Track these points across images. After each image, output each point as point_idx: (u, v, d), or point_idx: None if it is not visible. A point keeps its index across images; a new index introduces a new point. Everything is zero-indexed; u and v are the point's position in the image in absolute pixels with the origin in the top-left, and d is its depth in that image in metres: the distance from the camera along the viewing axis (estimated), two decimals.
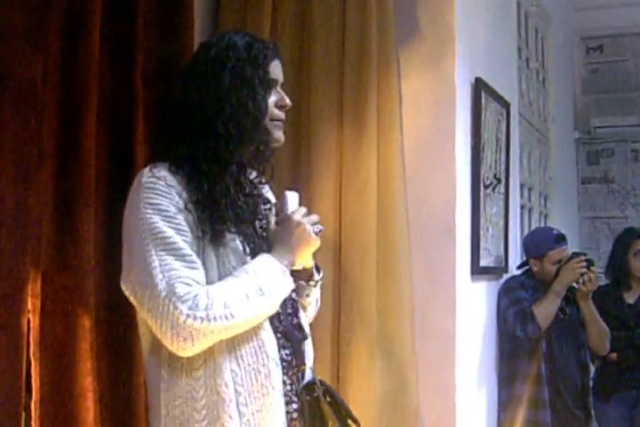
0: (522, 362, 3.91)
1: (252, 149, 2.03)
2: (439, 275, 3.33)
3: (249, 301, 1.87)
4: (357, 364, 2.93)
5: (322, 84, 3.10)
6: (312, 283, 2.18)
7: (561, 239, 4.12)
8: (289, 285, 1.99)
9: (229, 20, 3.10)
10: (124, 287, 1.93)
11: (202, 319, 1.81)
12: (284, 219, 2.05)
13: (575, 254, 4.09)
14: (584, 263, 3.97)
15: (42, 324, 2.21)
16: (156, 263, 1.84)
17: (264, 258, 1.96)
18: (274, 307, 1.95)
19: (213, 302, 1.83)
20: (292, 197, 2.11)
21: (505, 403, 3.94)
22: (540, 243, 4.16)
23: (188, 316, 1.80)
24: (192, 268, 1.86)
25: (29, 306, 2.18)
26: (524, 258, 4.30)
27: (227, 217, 1.94)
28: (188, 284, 1.83)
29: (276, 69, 2.08)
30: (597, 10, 6.52)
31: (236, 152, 1.99)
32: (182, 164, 1.95)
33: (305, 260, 2.08)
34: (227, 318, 1.83)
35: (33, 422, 2.19)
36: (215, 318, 1.82)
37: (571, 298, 4.07)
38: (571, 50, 6.69)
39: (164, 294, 1.81)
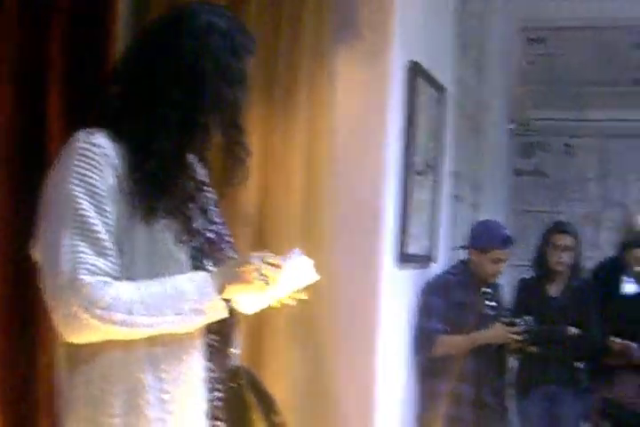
0: (442, 358, 3.89)
1: (224, 144, 1.92)
2: (363, 260, 3.28)
3: (161, 316, 1.75)
4: (275, 350, 2.86)
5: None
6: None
7: (509, 243, 4.14)
8: (219, 315, 1.83)
9: None
10: (32, 253, 1.82)
11: (98, 318, 1.69)
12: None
13: (517, 320, 4.05)
14: (518, 336, 3.99)
15: None
16: (67, 242, 1.71)
17: (203, 279, 1.81)
18: (187, 329, 1.82)
19: (118, 304, 1.71)
20: (300, 261, 1.91)
21: (425, 397, 3.93)
22: (489, 238, 4.14)
23: (85, 309, 1.68)
24: (104, 255, 1.74)
25: None
26: (466, 243, 4.25)
27: (163, 192, 1.82)
28: (94, 272, 1.71)
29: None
30: (541, 1, 6.51)
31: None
32: (131, 134, 1.82)
33: (232, 295, 1.87)
34: (125, 324, 1.72)
35: None
36: (112, 321, 1.71)
37: (493, 294, 4.09)
38: (511, 39, 6.68)
39: (65, 278, 1.69)
